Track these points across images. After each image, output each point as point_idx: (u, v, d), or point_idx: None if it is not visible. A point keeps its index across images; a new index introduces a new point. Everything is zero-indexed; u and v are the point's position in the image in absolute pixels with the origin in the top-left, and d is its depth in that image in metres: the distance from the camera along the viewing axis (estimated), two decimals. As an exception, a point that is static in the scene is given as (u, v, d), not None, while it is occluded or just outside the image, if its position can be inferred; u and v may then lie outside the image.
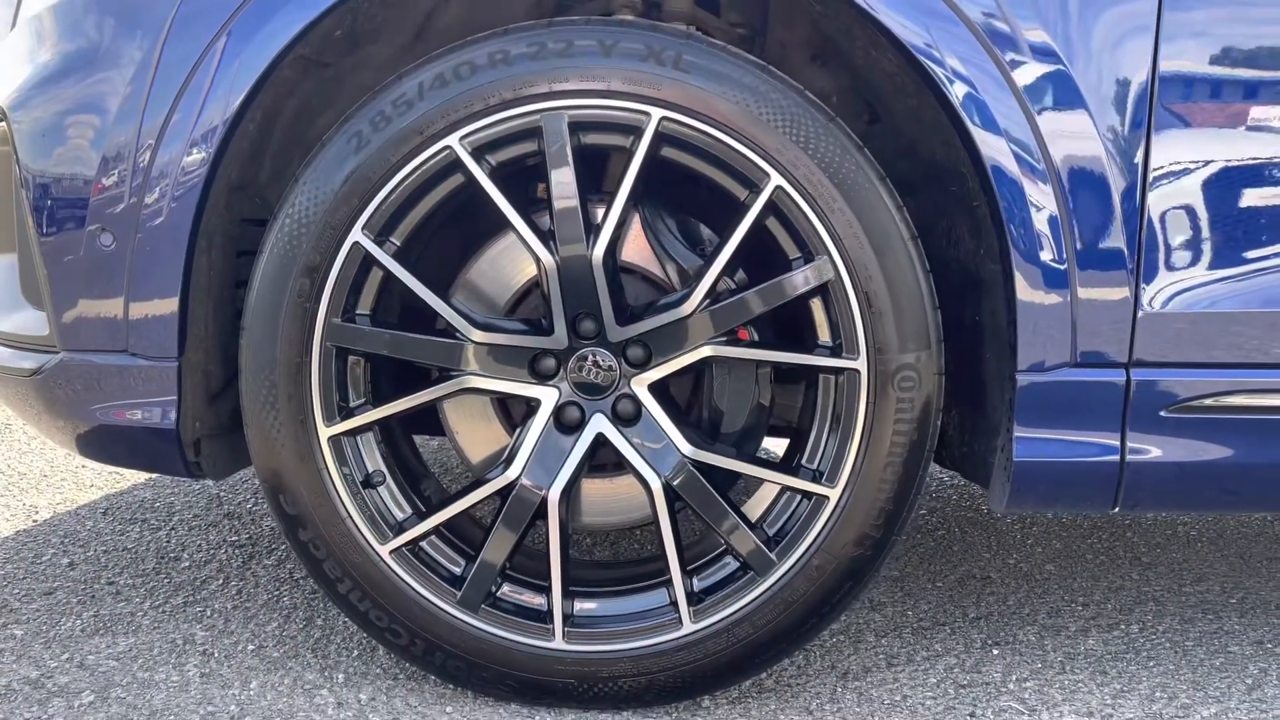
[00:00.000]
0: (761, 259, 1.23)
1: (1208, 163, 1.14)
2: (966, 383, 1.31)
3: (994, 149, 1.13)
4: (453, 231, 1.28)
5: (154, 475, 2.18)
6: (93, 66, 1.20)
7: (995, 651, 1.45)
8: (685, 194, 1.28)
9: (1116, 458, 1.18)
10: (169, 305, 1.19)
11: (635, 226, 1.28)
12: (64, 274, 1.23)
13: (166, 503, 1.99)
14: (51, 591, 1.54)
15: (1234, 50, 1.13)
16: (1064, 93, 1.13)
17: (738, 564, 1.22)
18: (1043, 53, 1.12)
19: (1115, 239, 1.14)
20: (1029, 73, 1.12)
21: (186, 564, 1.67)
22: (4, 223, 1.37)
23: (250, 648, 1.36)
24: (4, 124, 1.28)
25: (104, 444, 1.27)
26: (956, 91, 1.12)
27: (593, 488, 1.32)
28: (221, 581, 1.59)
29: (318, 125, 1.34)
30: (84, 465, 2.25)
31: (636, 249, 1.29)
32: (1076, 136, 1.13)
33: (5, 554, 1.70)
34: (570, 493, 1.22)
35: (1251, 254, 1.15)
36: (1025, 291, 1.15)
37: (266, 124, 1.26)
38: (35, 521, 1.88)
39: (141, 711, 1.18)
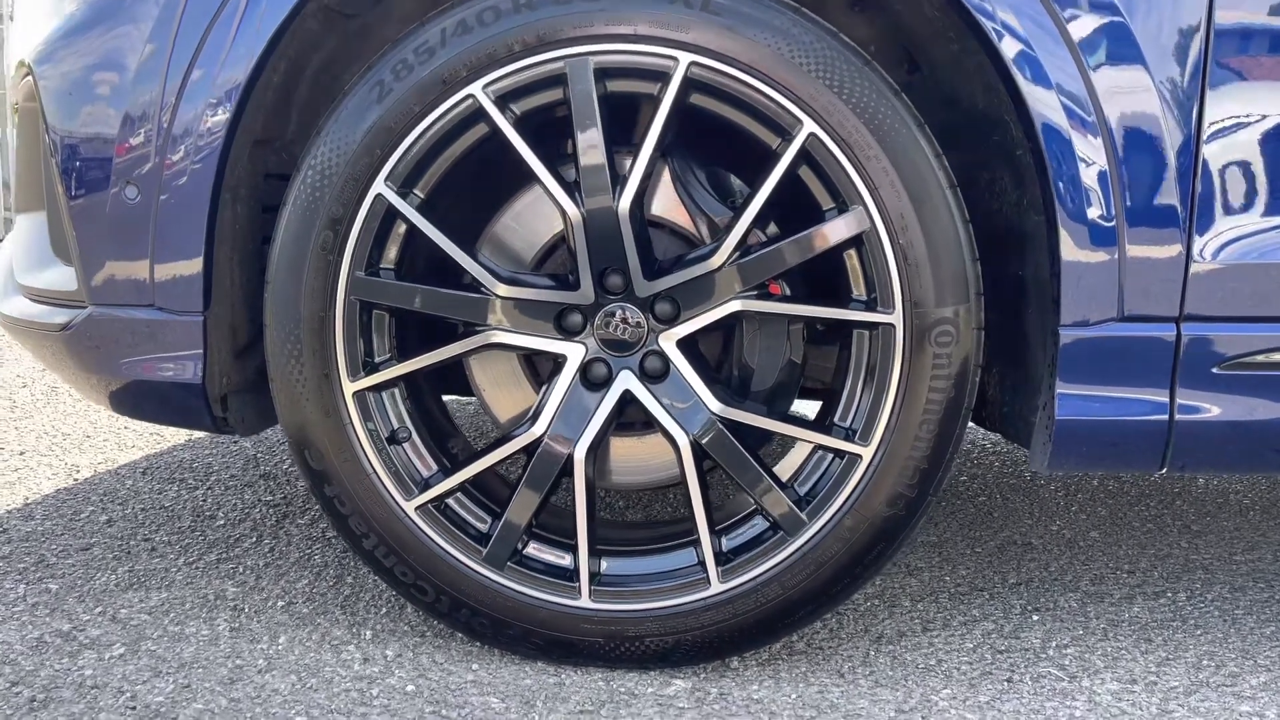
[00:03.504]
0: (795, 210, 1.20)
1: (1265, 116, 1.08)
2: (1008, 338, 1.27)
3: (1043, 102, 1.08)
4: (479, 184, 1.26)
5: (193, 436, 2.19)
6: (116, 20, 1.19)
7: (1035, 618, 1.41)
8: (716, 144, 1.24)
9: (1165, 416, 1.13)
10: (194, 262, 1.18)
11: (665, 179, 1.25)
12: (91, 230, 1.22)
13: (205, 463, 2.01)
14: (88, 547, 1.55)
15: None
16: (1119, 44, 1.07)
17: (767, 524, 1.19)
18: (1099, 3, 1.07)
19: (1168, 194, 1.09)
20: (1084, 24, 1.07)
21: (222, 522, 1.68)
22: (34, 180, 1.37)
23: (280, 604, 1.36)
24: (30, 79, 1.28)
25: (134, 399, 1.27)
26: (1007, 48, 1.08)
27: (621, 446, 1.30)
28: (255, 539, 1.60)
29: (344, 79, 1.32)
30: (126, 426, 2.27)
31: (666, 202, 1.26)
32: (1131, 90, 1.08)
33: (45, 511, 1.72)
34: (597, 450, 1.20)
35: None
36: (1070, 247, 1.10)
37: (291, 77, 1.24)
38: (76, 480, 1.90)
39: (170, 664, 1.19)
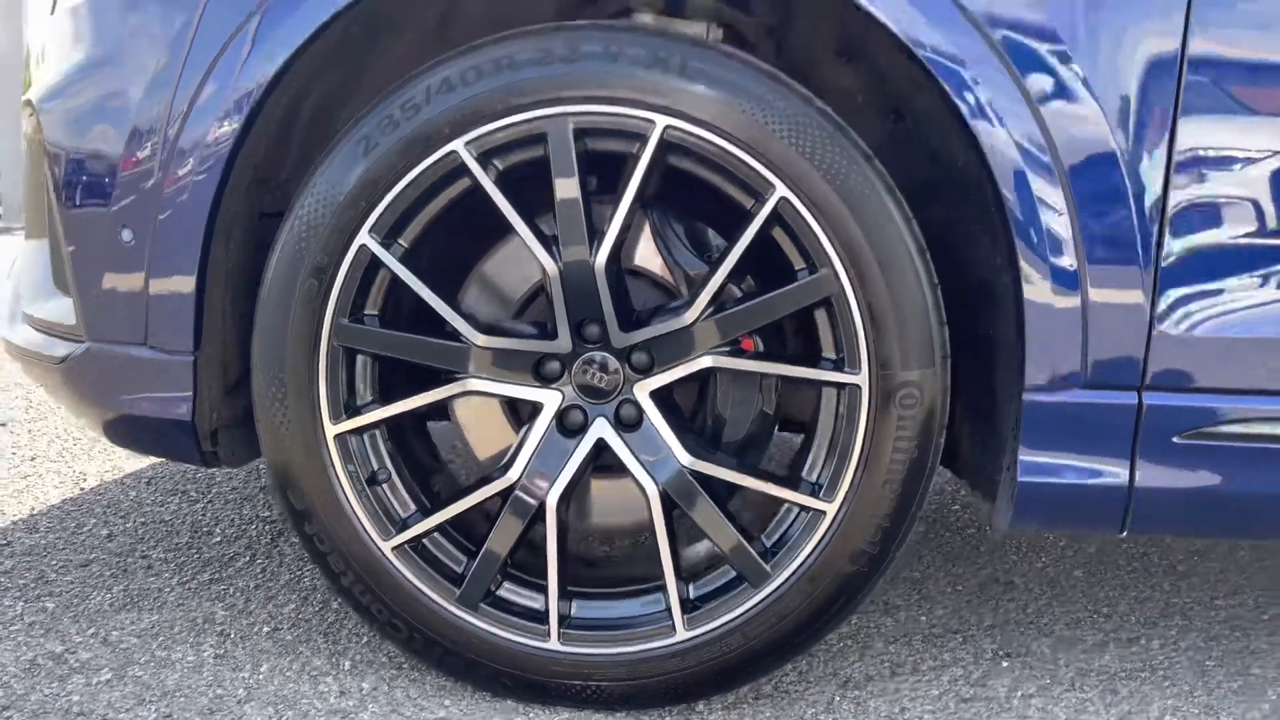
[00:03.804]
0: (773, 265, 1.22)
1: (1228, 199, 1.10)
2: (981, 396, 1.29)
3: (1003, 158, 1.10)
4: (464, 231, 1.29)
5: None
6: (115, 69, 1.23)
7: (1005, 664, 1.44)
8: (696, 199, 1.27)
9: (1125, 483, 1.15)
10: (186, 304, 1.22)
11: (646, 230, 1.27)
12: (88, 268, 1.27)
13: (208, 474, 2.06)
14: (87, 564, 1.60)
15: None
16: (1074, 95, 1.09)
17: (734, 573, 1.22)
18: (1052, 50, 1.08)
19: (1131, 266, 1.10)
20: (1037, 73, 1.09)
21: (218, 539, 1.73)
22: (40, 209, 1.42)
23: (265, 629, 1.41)
24: (35, 117, 1.33)
25: (126, 432, 1.32)
26: (964, 102, 1.10)
27: (599, 489, 1.33)
28: (249, 559, 1.65)
29: (340, 117, 1.36)
30: (135, 432, 2.33)
31: (646, 252, 1.29)
32: (1092, 157, 1.09)
33: (50, 522, 1.78)
34: (570, 497, 1.24)
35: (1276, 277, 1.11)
36: (1035, 309, 1.12)
37: (285, 123, 1.28)
38: (82, 489, 1.96)
39: (154, 691, 1.24)
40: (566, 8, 1.42)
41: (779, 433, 1.39)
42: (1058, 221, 1.10)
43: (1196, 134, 1.09)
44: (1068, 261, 1.11)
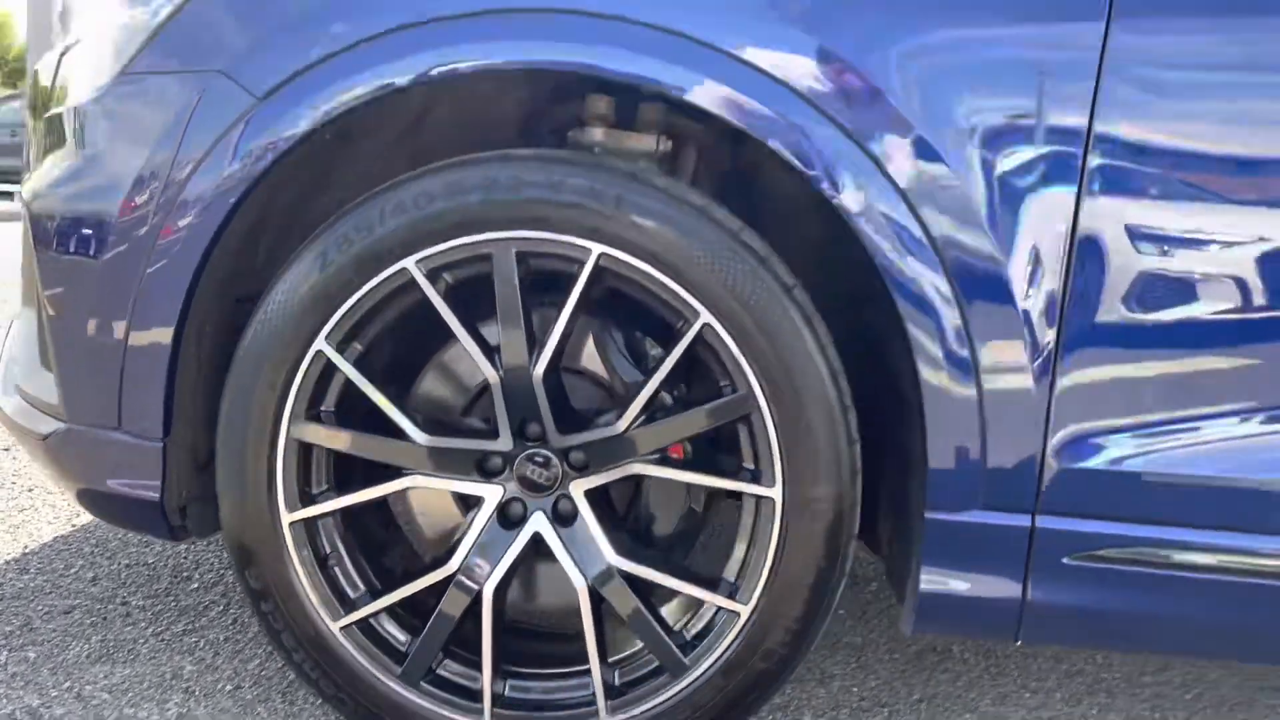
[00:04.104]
0: (707, 376, 1.31)
1: (1128, 337, 1.17)
2: (897, 504, 1.37)
3: (899, 276, 1.18)
4: (416, 335, 1.38)
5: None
6: (97, 172, 1.33)
7: (922, 741, 1.52)
8: (633, 310, 1.35)
9: (1018, 598, 1.24)
10: (156, 396, 1.32)
11: (589, 335, 1.37)
12: (71, 359, 1.37)
13: (195, 511, 2.16)
14: (70, 610, 1.71)
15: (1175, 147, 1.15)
16: (963, 211, 1.16)
17: (657, 663, 1.31)
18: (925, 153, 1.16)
19: (1025, 398, 1.18)
20: (913, 178, 1.16)
21: (195, 585, 1.83)
22: (31, 282, 1.52)
23: (229, 687, 1.51)
24: (28, 214, 1.43)
25: (99, 504, 1.42)
26: (844, 203, 1.18)
27: (546, 570, 1.42)
28: (222, 608, 1.75)
29: (312, 209, 1.45)
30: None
31: (591, 354, 1.38)
32: (991, 291, 1.17)
33: (41, 563, 1.89)
34: (507, 586, 1.33)
35: (1162, 416, 1.18)
36: (936, 434, 1.21)
37: (259, 220, 1.37)
38: (74, 526, 2.07)
39: (119, 750, 1.34)
40: (527, 115, 1.52)
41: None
42: (958, 354, 1.18)
43: (1089, 284, 1.17)
44: (968, 393, 1.19)
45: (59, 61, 1.48)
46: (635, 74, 1.19)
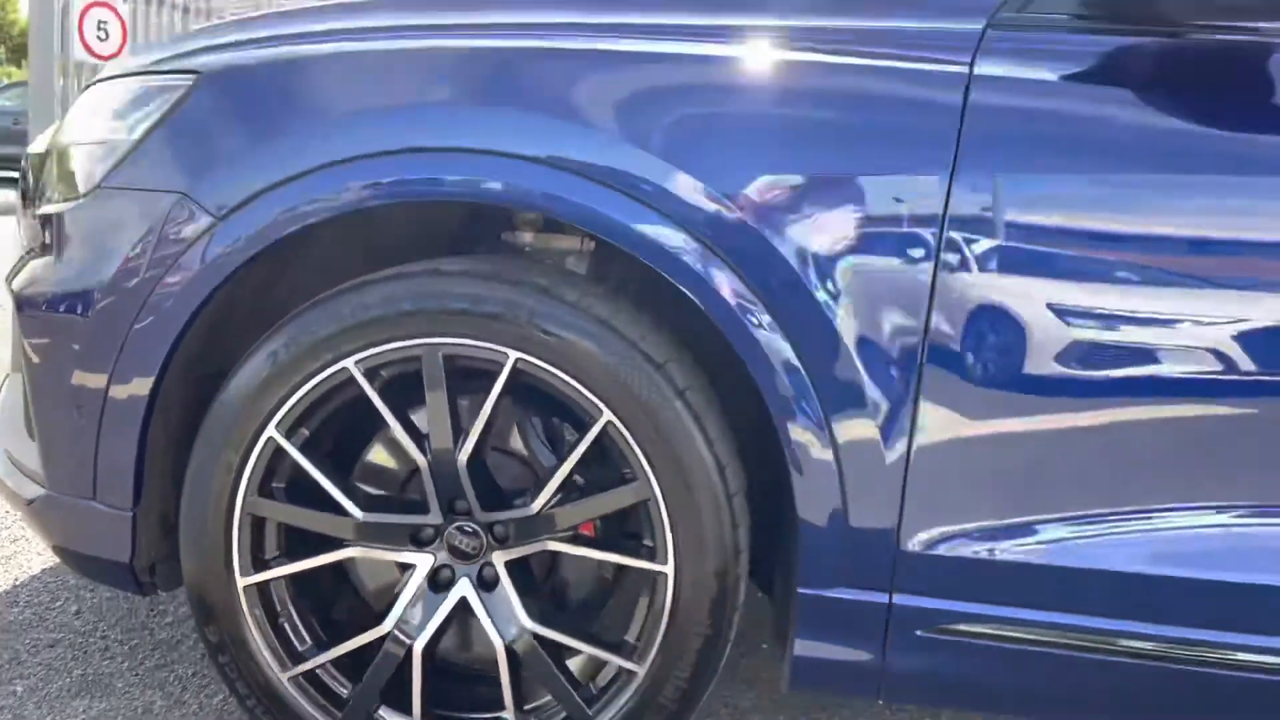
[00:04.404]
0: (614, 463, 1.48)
1: (971, 436, 1.34)
2: (778, 574, 1.55)
3: (768, 376, 1.35)
4: (357, 422, 1.54)
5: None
6: (78, 268, 1.51)
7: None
8: (550, 402, 1.52)
9: (878, 664, 1.41)
10: (127, 468, 1.50)
11: (514, 422, 1.54)
12: (50, 433, 1.55)
13: (172, 541, 2.34)
14: (54, 644, 1.89)
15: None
16: (824, 328, 1.33)
17: (565, 714, 1.49)
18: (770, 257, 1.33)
19: (880, 493, 1.36)
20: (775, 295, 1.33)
21: (170, 619, 2.01)
22: (19, 356, 1.69)
23: (193, 721, 1.69)
24: (13, 295, 1.60)
25: (76, 561, 1.61)
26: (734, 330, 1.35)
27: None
28: (192, 642, 1.93)
29: (275, 297, 1.61)
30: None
31: (515, 438, 1.55)
32: (850, 392, 1.34)
33: (29, 596, 2.07)
34: (437, 643, 1.51)
35: (1001, 511, 1.36)
36: (808, 520, 1.38)
37: (221, 313, 1.54)
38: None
39: (93, 782, 1.52)
40: (465, 222, 1.69)
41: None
42: (821, 455, 1.35)
43: (935, 408, 1.33)
44: (833, 487, 1.36)
45: (46, 162, 1.64)
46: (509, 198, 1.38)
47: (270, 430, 1.45)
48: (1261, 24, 1.32)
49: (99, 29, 10.19)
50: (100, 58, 10.03)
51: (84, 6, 10.06)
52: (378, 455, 1.57)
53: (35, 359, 1.57)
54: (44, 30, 10.11)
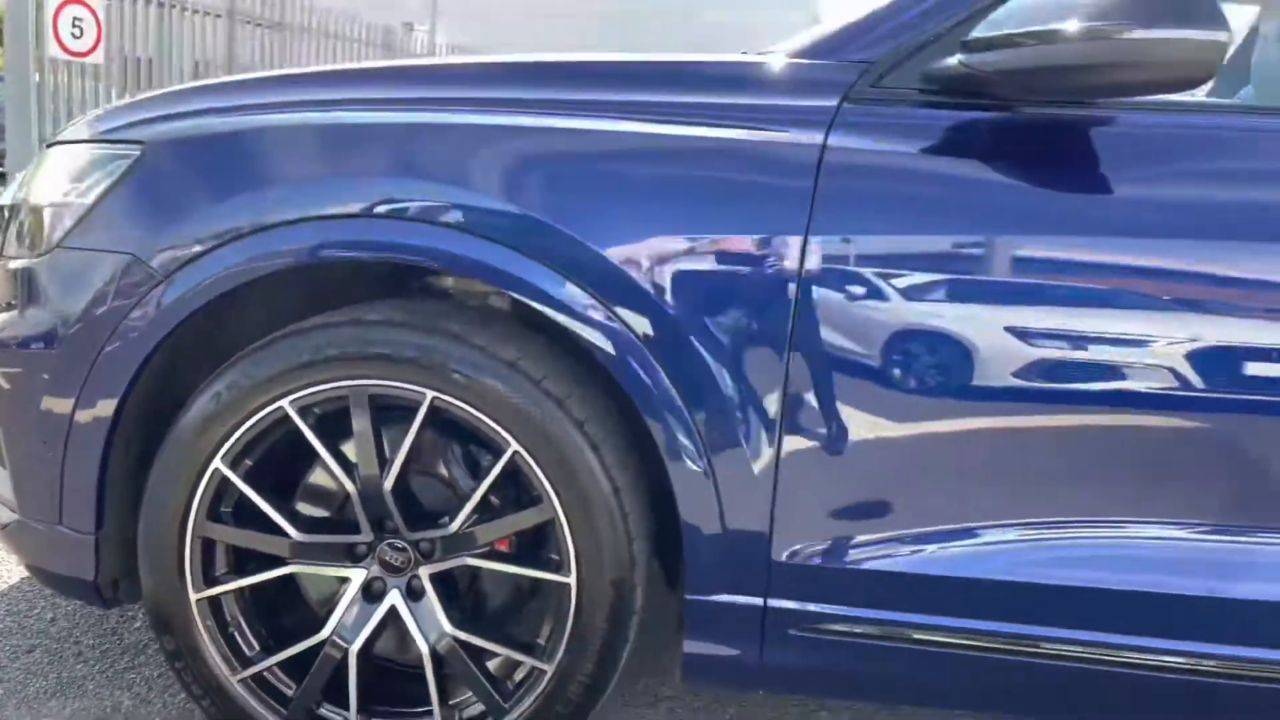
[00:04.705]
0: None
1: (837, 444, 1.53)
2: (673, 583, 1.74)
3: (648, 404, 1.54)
4: (296, 451, 1.72)
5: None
6: (42, 318, 1.68)
7: (721, 757, 1.90)
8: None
9: (757, 660, 1.60)
10: (90, 495, 1.68)
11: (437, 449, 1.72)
12: (20, 465, 1.73)
13: (143, 549, 2.51)
14: (32, 649, 2.07)
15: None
16: (695, 362, 1.51)
17: (485, 708, 1.68)
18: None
19: (753, 509, 1.54)
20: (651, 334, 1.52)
21: (138, 625, 2.19)
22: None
23: (159, 718, 1.87)
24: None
25: (46, 577, 1.79)
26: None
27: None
28: (159, 647, 2.10)
29: (225, 338, 1.78)
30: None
31: (439, 464, 1.74)
32: (720, 415, 1.52)
33: (9, 604, 2.25)
34: (371, 646, 1.69)
35: (861, 522, 1.55)
36: (690, 535, 1.56)
37: (175, 354, 1.71)
38: (37, 566, 2.42)
39: (67, 775, 1.71)
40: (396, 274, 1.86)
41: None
42: (701, 477, 1.54)
43: (796, 436, 1.52)
44: (712, 505, 1.55)
45: (10, 218, 1.81)
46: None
47: (216, 462, 1.62)
48: (1081, 103, 1.51)
49: (74, 26, 10.24)
50: (75, 55, 10.08)
51: (59, 4, 10.12)
52: (317, 481, 1.75)
53: (6, 398, 1.74)
54: (19, 24, 10.16)
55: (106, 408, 1.65)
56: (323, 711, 1.72)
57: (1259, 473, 1.47)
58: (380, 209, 1.55)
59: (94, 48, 10.25)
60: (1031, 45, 1.37)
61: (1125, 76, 1.36)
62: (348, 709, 1.71)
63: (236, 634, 1.72)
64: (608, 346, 1.54)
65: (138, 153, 1.64)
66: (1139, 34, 1.30)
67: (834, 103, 1.53)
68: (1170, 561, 1.47)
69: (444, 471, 1.72)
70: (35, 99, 10.02)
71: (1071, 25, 1.33)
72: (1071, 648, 1.49)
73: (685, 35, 26.60)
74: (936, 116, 1.53)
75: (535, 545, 1.70)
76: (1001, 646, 1.51)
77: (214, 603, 1.70)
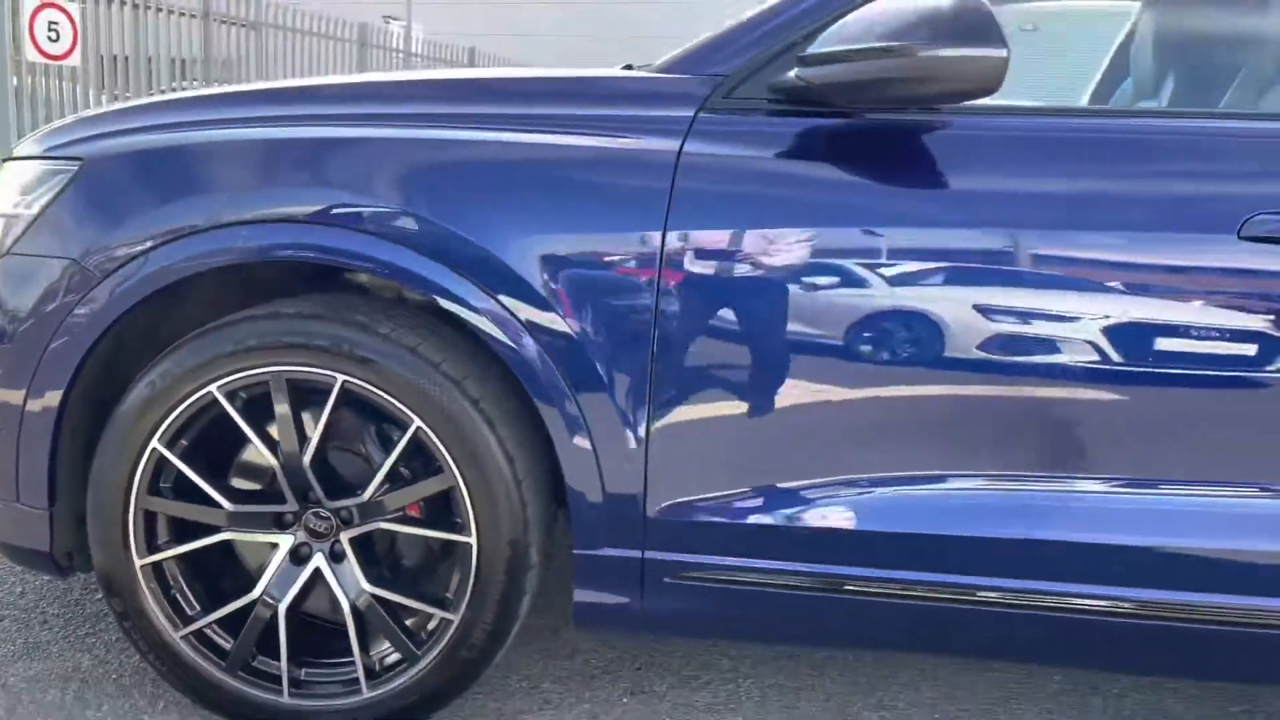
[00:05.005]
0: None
1: (693, 430, 1.74)
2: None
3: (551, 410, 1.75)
4: (228, 430, 1.92)
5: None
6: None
7: (626, 700, 2.11)
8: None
9: (639, 606, 1.82)
10: (42, 476, 1.88)
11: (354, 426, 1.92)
12: (-18, 450, 1.93)
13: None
14: (1, 619, 2.27)
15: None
16: (573, 347, 1.71)
17: (401, 655, 1.89)
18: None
19: (629, 477, 1.75)
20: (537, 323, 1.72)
21: (98, 596, 2.39)
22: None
23: (114, 677, 2.08)
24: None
25: (7, 550, 1.99)
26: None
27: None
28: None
29: (163, 330, 1.99)
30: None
31: (355, 440, 1.94)
32: (594, 401, 1.73)
33: (-20, 580, 2.45)
34: (300, 603, 1.90)
35: (725, 482, 1.75)
36: (575, 499, 1.77)
37: (117, 346, 1.91)
38: (8, 547, 2.62)
39: (30, 725, 1.92)
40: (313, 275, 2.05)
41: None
42: (584, 447, 1.74)
43: (669, 383, 1.72)
44: (593, 472, 1.75)
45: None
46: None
47: (154, 443, 1.83)
48: (907, 111, 1.71)
49: (50, 30, 10.38)
50: (52, 58, 10.23)
51: (35, 8, 10.24)
52: (247, 458, 1.96)
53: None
54: (-5, 28, 10.29)
55: (54, 398, 1.85)
56: (257, 663, 1.93)
57: (1060, 430, 1.68)
58: (299, 214, 1.75)
59: (70, 50, 10.39)
60: (847, 61, 1.58)
61: (924, 89, 1.57)
62: (279, 660, 1.92)
63: (178, 595, 1.92)
64: (497, 334, 1.74)
65: (76, 168, 1.83)
66: (933, 52, 1.51)
67: (690, 113, 1.73)
68: (982, 509, 1.69)
69: (358, 446, 1.92)
70: (14, 103, 10.16)
71: (877, 44, 1.54)
72: (887, 586, 1.71)
73: (646, 18, 26.79)
74: (782, 123, 1.73)
75: (443, 511, 1.91)
76: (827, 587, 1.73)
77: (157, 568, 1.90)
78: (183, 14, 11.87)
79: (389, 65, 15.58)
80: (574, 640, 2.33)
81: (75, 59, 10.33)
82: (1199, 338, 1.63)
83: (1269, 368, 1.62)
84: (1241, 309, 1.62)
